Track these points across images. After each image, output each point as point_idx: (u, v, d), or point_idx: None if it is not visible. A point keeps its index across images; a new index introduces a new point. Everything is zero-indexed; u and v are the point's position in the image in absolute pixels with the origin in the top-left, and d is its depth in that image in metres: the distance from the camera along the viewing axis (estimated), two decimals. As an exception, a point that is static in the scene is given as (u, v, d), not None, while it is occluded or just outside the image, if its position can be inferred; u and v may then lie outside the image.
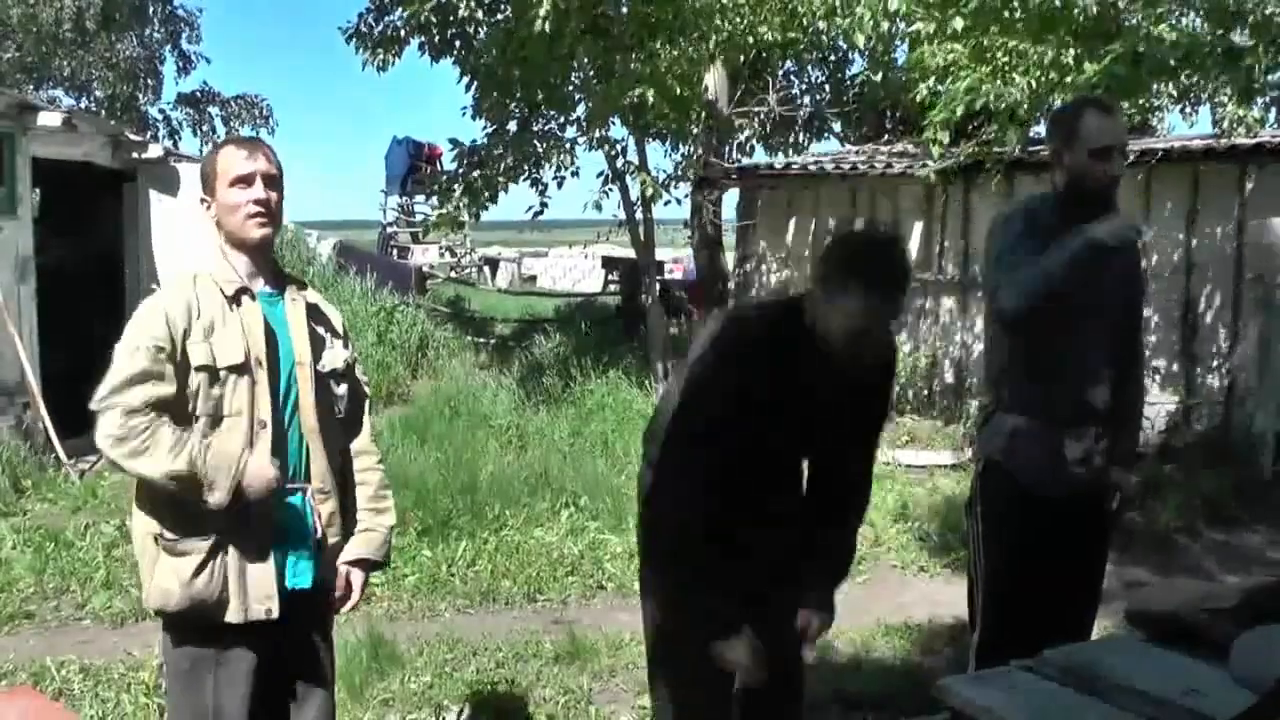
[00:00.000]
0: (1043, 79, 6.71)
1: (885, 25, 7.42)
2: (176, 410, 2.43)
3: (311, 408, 2.57)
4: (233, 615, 2.47)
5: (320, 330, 2.68)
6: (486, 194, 10.68)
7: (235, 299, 2.51)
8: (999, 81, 6.74)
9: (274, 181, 2.55)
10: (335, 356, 2.68)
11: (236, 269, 2.55)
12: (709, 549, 2.59)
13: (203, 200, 2.59)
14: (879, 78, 9.67)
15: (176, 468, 2.35)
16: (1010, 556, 3.19)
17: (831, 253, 2.62)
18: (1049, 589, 3.12)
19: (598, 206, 10.85)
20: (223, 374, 2.46)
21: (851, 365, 2.55)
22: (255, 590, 2.48)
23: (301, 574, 2.56)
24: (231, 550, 2.46)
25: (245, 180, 2.51)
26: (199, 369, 2.44)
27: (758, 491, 2.71)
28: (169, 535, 2.46)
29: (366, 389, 2.84)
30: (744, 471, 2.64)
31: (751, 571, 2.72)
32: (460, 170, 11.06)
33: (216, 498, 2.39)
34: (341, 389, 2.68)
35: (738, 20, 8.64)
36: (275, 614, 2.48)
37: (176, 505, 2.45)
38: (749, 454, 2.63)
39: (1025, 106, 6.92)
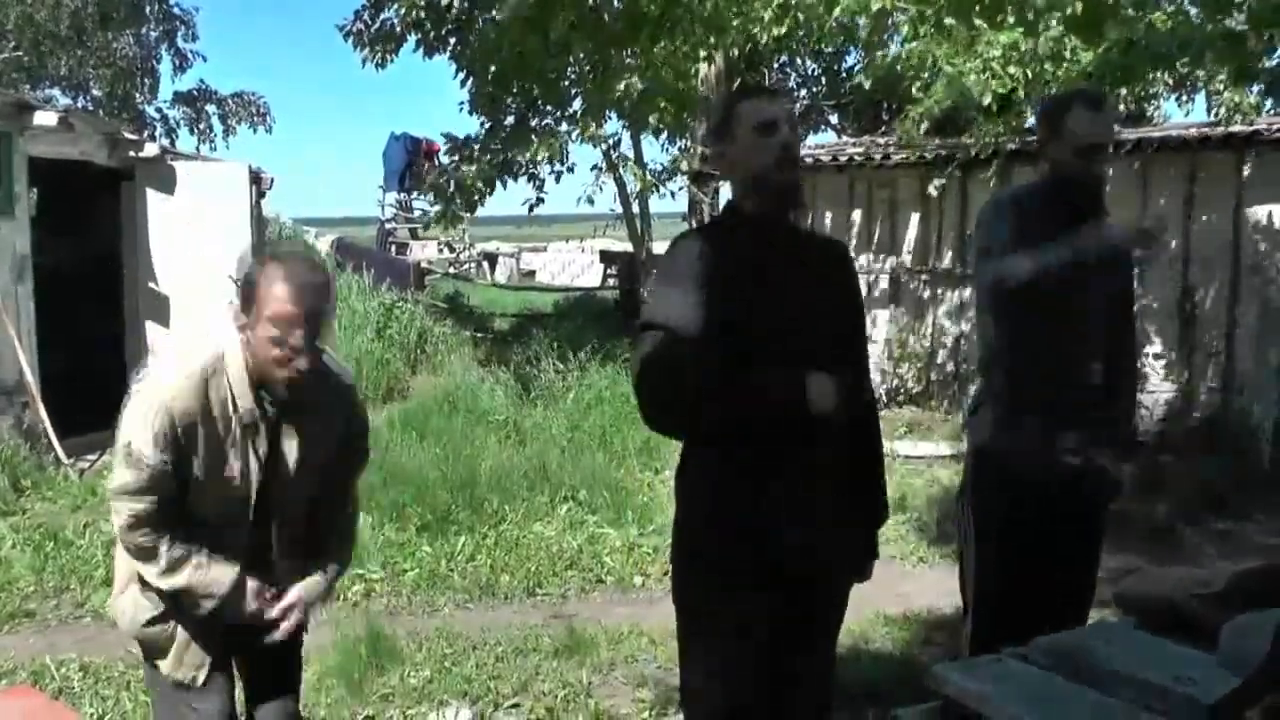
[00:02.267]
0: (1037, 69, 6.71)
1: (863, 18, 7.35)
2: (169, 506, 2.46)
3: (299, 517, 2.64)
4: (166, 667, 2.59)
5: (319, 430, 2.59)
6: (484, 187, 10.69)
7: (249, 425, 2.46)
8: (987, 74, 6.73)
9: (316, 322, 2.38)
10: (331, 450, 2.64)
11: (252, 393, 2.46)
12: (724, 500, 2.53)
13: (240, 314, 2.40)
14: (868, 66, 9.65)
15: (174, 583, 2.47)
16: (1002, 546, 3.19)
17: (711, 117, 2.70)
18: (1042, 579, 3.13)
19: (590, 201, 10.86)
20: (212, 486, 2.47)
21: (788, 200, 2.57)
22: (190, 659, 2.59)
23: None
24: (187, 619, 2.56)
25: (283, 324, 2.33)
26: (194, 480, 2.45)
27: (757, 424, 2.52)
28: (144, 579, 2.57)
29: (365, 456, 2.83)
30: (732, 394, 2.49)
31: (772, 531, 2.54)
32: (456, 165, 11.07)
33: (204, 608, 2.52)
34: (339, 474, 2.72)
35: (730, 11, 8.60)
36: (200, 683, 2.57)
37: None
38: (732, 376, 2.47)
39: (1021, 97, 6.92)
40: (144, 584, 2.54)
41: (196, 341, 2.50)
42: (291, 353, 2.35)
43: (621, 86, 9.61)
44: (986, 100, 7.00)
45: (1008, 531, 3.18)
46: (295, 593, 2.63)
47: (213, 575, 2.48)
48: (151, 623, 2.57)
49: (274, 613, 2.60)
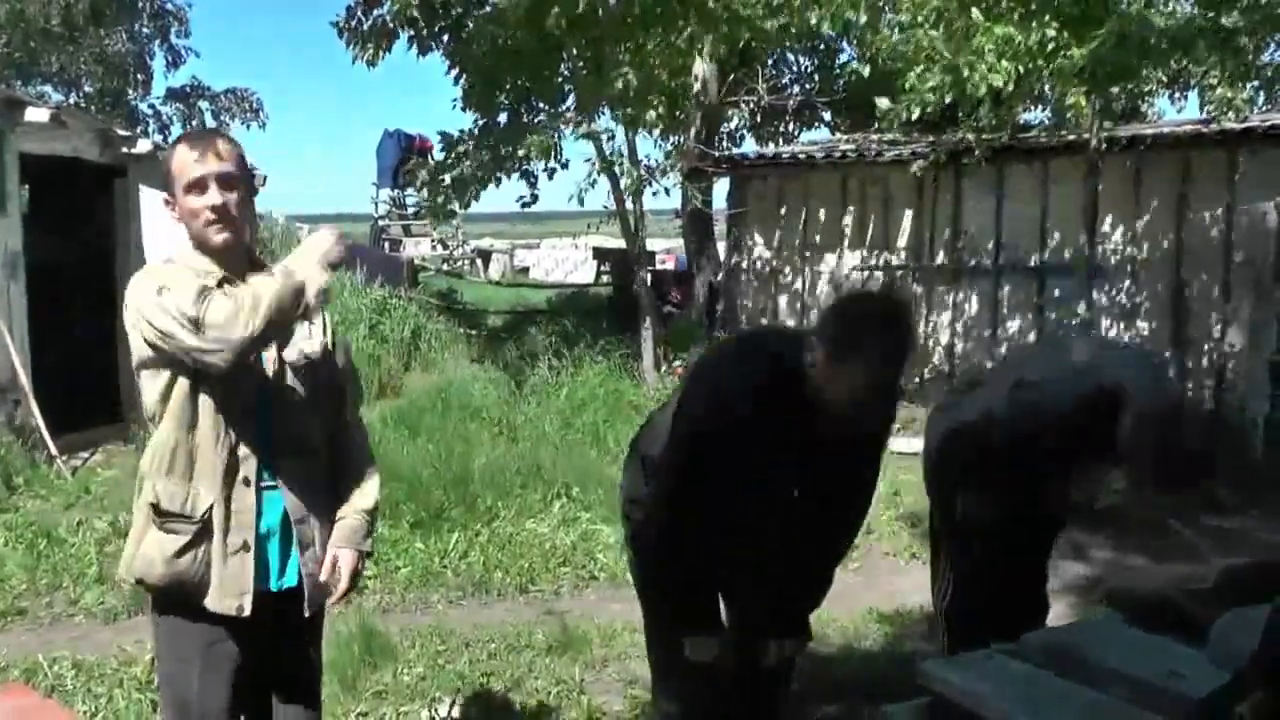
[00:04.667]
0: (1031, 64, 6.70)
1: (860, 15, 7.35)
2: (157, 402, 2.40)
3: (278, 397, 2.51)
4: (210, 601, 2.44)
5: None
6: (478, 180, 10.68)
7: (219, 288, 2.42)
8: (983, 67, 6.71)
9: (230, 180, 2.40)
10: (310, 344, 2.58)
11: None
12: (695, 570, 2.73)
13: (166, 202, 2.49)
14: (864, 52, 9.63)
15: (283, 288, 2.28)
16: (980, 544, 3.24)
17: (844, 315, 2.54)
18: (1010, 577, 3.18)
19: (580, 200, 10.85)
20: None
21: (851, 425, 2.53)
22: (230, 584, 2.44)
23: (286, 574, 2.54)
24: (216, 538, 2.43)
25: (198, 186, 2.38)
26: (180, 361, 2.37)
27: (747, 523, 2.75)
28: (164, 508, 2.42)
29: (351, 370, 2.77)
30: (734, 507, 2.70)
31: (733, 581, 2.86)
32: (448, 161, 11.06)
33: (317, 283, 2.33)
34: (321, 375, 2.60)
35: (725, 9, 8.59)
36: (246, 612, 2.44)
37: (183, 475, 2.41)
38: (740, 491, 2.67)
39: (1010, 91, 6.91)
40: (163, 518, 2.42)
41: None
42: (214, 212, 2.38)
43: (617, 82, 9.58)
44: (982, 91, 6.98)
45: (976, 530, 3.22)
46: (334, 549, 2.58)
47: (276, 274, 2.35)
48: (182, 552, 2.41)
49: (323, 578, 2.55)
